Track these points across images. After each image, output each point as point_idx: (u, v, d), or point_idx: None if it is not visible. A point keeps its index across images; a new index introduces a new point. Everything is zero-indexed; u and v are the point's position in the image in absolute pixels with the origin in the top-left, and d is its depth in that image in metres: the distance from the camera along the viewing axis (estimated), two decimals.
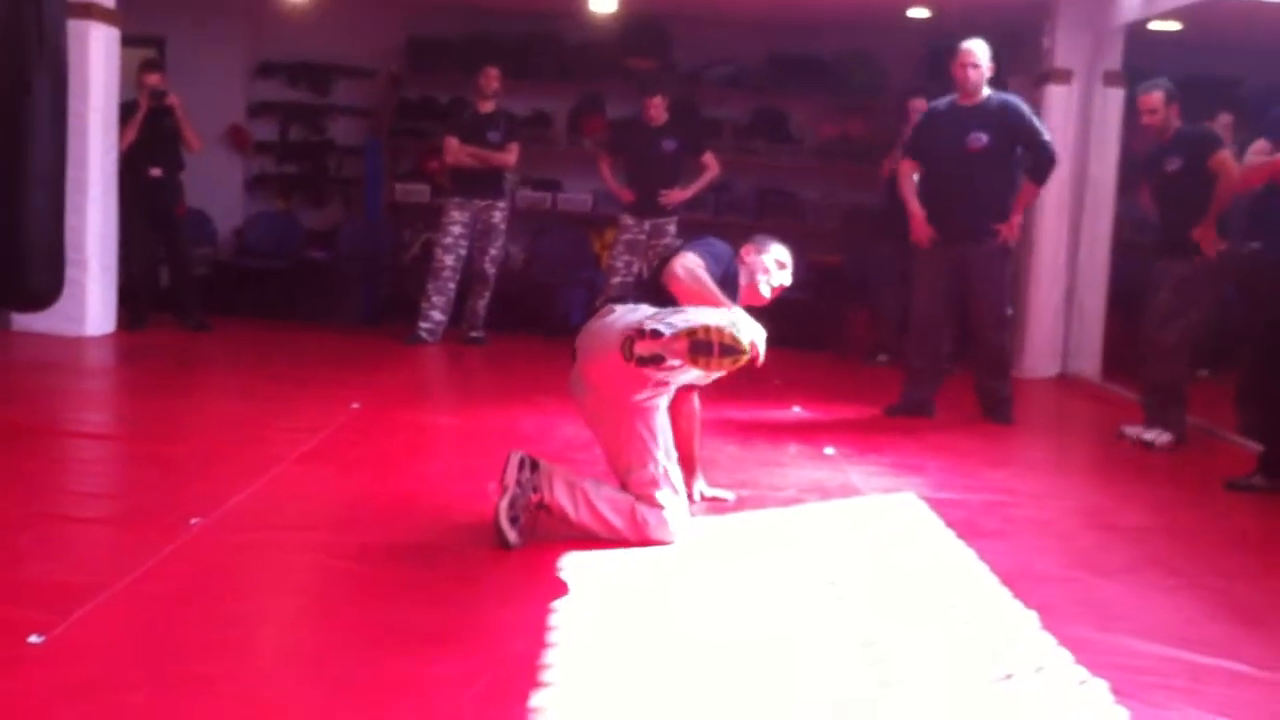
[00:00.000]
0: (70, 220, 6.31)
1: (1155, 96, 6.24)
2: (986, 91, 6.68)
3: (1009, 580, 3.89)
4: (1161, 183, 6.37)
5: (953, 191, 6.69)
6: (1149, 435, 6.23)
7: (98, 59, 8.03)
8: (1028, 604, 3.67)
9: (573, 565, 3.84)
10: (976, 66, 6.62)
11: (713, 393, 7.47)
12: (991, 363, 6.84)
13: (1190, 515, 5.13)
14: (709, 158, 8.91)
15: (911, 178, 6.87)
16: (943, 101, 6.86)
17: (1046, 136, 6.72)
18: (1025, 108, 6.78)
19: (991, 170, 6.61)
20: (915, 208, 6.79)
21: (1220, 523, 5.04)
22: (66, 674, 2.89)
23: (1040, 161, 6.67)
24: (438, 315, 8.74)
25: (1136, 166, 6.74)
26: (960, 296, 6.78)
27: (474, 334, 8.82)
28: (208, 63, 10.35)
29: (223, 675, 2.93)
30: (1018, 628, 3.51)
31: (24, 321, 7.85)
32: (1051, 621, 3.52)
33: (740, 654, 3.23)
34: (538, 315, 9.69)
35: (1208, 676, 3.23)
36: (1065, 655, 3.28)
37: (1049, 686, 3.11)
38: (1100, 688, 3.09)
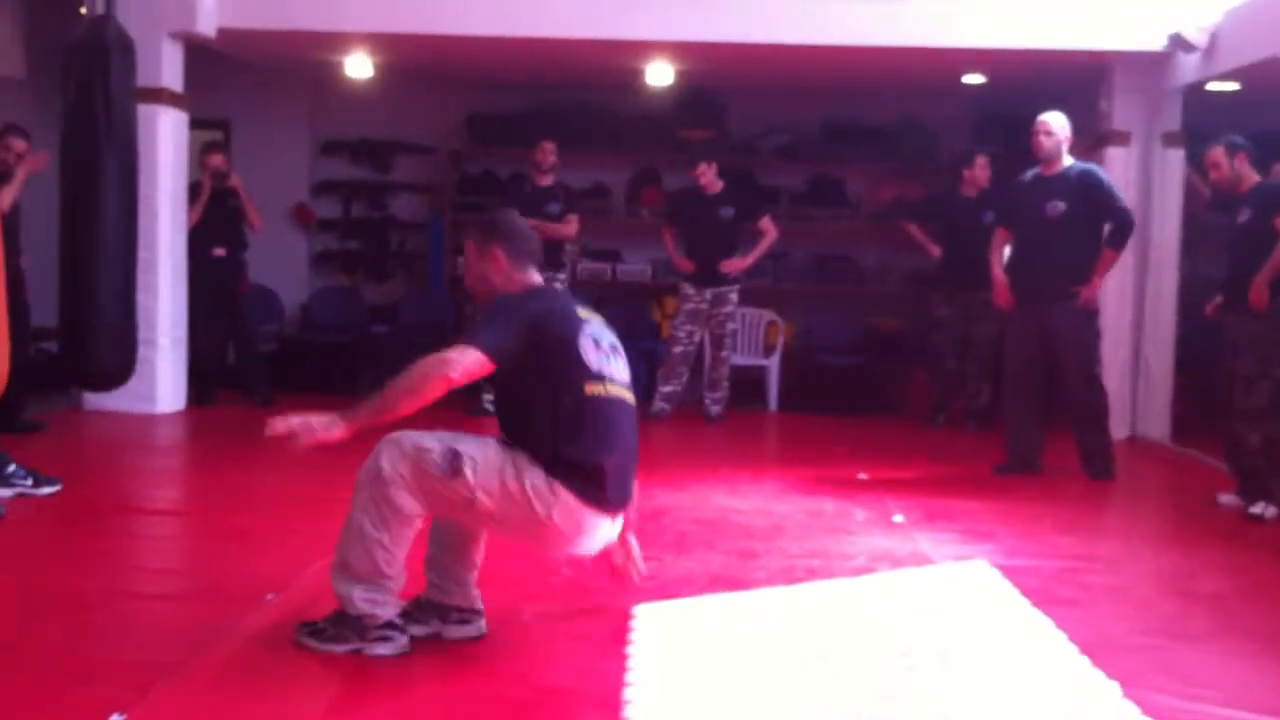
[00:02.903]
0: (141, 299, 6.45)
1: (1215, 151, 6.23)
2: (1068, 161, 6.95)
3: (1088, 649, 3.83)
4: (1233, 236, 6.28)
5: (1034, 257, 6.95)
6: (1255, 509, 5.98)
7: (166, 142, 8.21)
8: (1109, 673, 3.60)
9: (642, 638, 3.83)
10: (1049, 134, 6.89)
11: (776, 461, 7.46)
12: (1088, 420, 7.00)
13: (1270, 578, 5.04)
14: (766, 222, 8.93)
15: (1002, 246, 7.21)
16: (1028, 173, 7.12)
17: (1122, 203, 6.96)
18: (1104, 175, 7.07)
19: (1070, 236, 6.83)
20: (998, 273, 7.12)
21: None
22: None
23: (1117, 228, 6.90)
24: None
25: (1211, 206, 6.71)
26: (1047, 357, 6.98)
27: None
28: (272, 143, 10.56)
29: None
30: (1100, 698, 3.45)
31: (96, 400, 7.97)
32: (1134, 690, 3.46)
33: None
34: None
35: None
36: None
37: None
38: None
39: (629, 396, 3.75)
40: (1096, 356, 7.04)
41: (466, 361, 3.51)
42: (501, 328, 3.59)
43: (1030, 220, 6.95)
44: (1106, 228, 6.93)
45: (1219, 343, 6.46)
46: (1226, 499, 6.25)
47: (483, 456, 3.56)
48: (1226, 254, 6.39)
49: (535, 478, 3.53)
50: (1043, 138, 6.89)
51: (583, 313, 3.77)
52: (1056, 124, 6.90)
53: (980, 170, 8.90)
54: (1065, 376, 6.96)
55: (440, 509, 3.61)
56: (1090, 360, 6.96)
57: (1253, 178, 6.22)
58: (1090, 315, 6.94)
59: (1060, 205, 6.81)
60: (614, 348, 3.77)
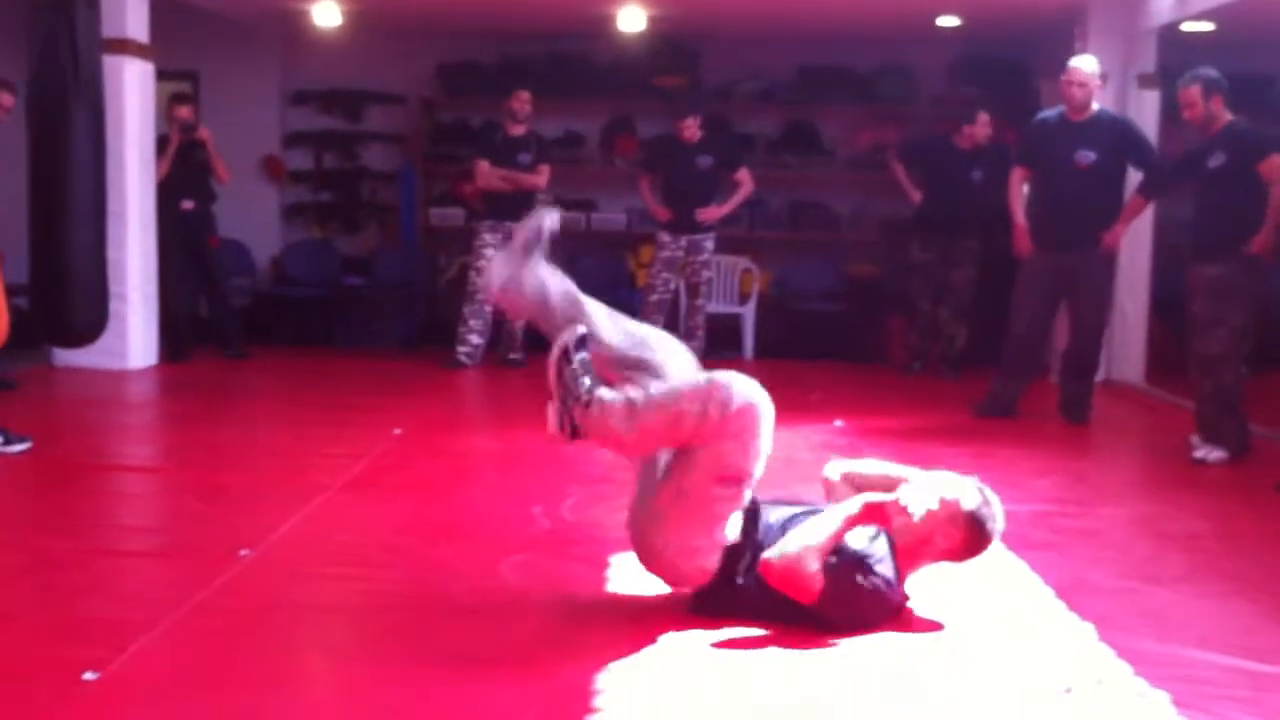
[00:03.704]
0: (110, 254, 6.37)
1: (1192, 90, 6.03)
2: (1096, 107, 6.95)
3: (1063, 592, 3.86)
4: (1201, 180, 6.16)
5: (1062, 205, 6.92)
6: (1199, 453, 6.02)
7: (133, 93, 8.09)
8: (1084, 616, 3.63)
9: (623, 590, 3.82)
10: (1083, 85, 6.84)
11: None
12: (1079, 368, 7.10)
13: (1243, 520, 5.07)
14: (743, 174, 8.90)
15: (1021, 186, 7.17)
16: (1052, 113, 7.10)
17: (1157, 154, 7.07)
18: (1135, 125, 7.15)
19: (1100, 185, 6.85)
20: (1020, 218, 7.07)
21: (1274, 527, 4.97)
22: (121, 710, 2.91)
23: (1152, 178, 6.93)
24: (475, 339, 8.75)
25: (1178, 166, 6.61)
26: (1060, 302, 7.10)
27: (513, 356, 8.83)
28: (241, 94, 10.44)
29: (276, 708, 2.94)
30: (1075, 640, 3.47)
31: (67, 356, 7.91)
32: (1109, 633, 3.48)
33: (795, 675, 3.20)
34: None
35: (1270, 685, 3.18)
36: (1125, 667, 3.24)
37: (1110, 700, 3.07)
38: (1161, 700, 3.05)
39: None
40: (1110, 305, 7.18)
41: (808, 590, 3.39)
42: (857, 593, 3.43)
43: (1057, 166, 6.91)
44: (1133, 175, 7.00)
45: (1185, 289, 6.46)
46: (1194, 440, 6.27)
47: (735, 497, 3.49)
48: (1194, 198, 6.31)
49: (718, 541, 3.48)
50: (1076, 89, 6.83)
51: None
52: (1089, 72, 6.84)
53: (981, 127, 8.82)
54: (1079, 322, 7.04)
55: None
56: (1105, 309, 7.07)
57: (1225, 118, 6.03)
58: (1113, 263, 7.04)
59: (1091, 155, 6.79)
60: None
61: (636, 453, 3.58)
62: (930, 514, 3.52)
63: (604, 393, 3.49)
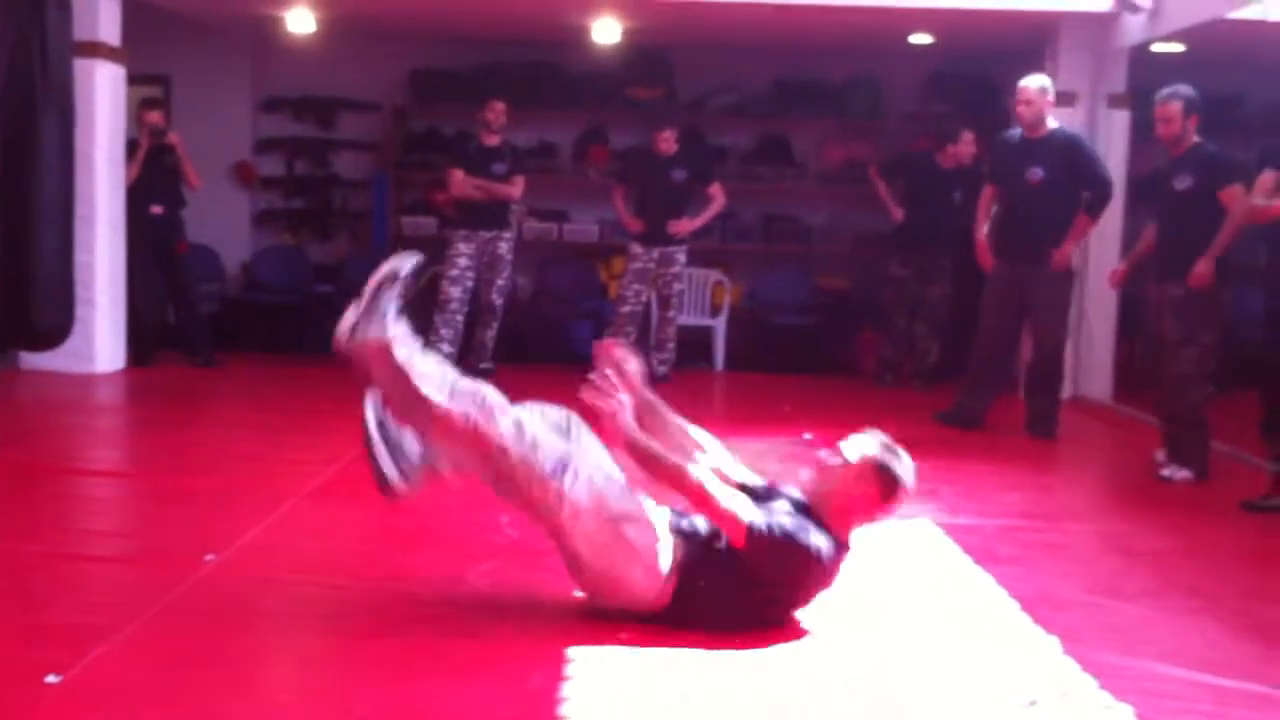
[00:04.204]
0: (78, 258, 6.33)
1: (1173, 107, 6.01)
2: (1053, 124, 7.06)
3: (1029, 606, 3.88)
4: (1167, 200, 6.17)
5: (1015, 219, 7.08)
6: (1166, 472, 6.04)
7: (104, 97, 8.05)
8: (1049, 629, 3.65)
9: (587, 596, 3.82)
10: (1030, 104, 6.97)
11: (721, 421, 7.45)
12: (1043, 380, 7.18)
13: (1209, 537, 5.10)
14: (716, 189, 8.92)
15: (990, 204, 7.30)
16: (1015, 132, 7.23)
17: (1103, 172, 7.14)
18: (1086, 144, 7.28)
19: (1050, 201, 6.95)
20: (980, 233, 7.25)
21: (1240, 544, 5.02)
22: (83, 714, 2.89)
23: (1096, 196, 7.04)
24: (446, 348, 8.71)
25: (1145, 186, 6.67)
26: (1020, 315, 7.19)
27: (483, 365, 8.79)
28: (213, 99, 10.39)
29: (242, 713, 2.93)
30: (1041, 653, 3.49)
31: (33, 360, 7.84)
32: (1074, 647, 3.50)
33: (759, 679, 3.21)
34: (546, 346, 9.68)
35: (1233, 700, 3.21)
36: (1089, 681, 3.26)
37: (1073, 713, 3.09)
38: (1125, 713, 3.07)
39: None
40: (1067, 322, 7.23)
41: (736, 527, 3.45)
42: (788, 544, 3.46)
43: (1013, 183, 7.05)
44: (1086, 194, 7.05)
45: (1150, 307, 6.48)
46: (1159, 457, 6.31)
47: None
48: (1159, 218, 6.31)
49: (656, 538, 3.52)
50: (1022, 108, 6.96)
51: None
52: (1035, 91, 6.94)
53: (964, 146, 8.87)
54: (1034, 335, 7.17)
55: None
56: (1058, 323, 7.12)
57: (1193, 139, 6.05)
58: (1067, 279, 7.12)
59: (1039, 172, 6.90)
60: None
61: (432, 430, 3.76)
62: (843, 474, 3.63)
63: (401, 331, 3.61)
